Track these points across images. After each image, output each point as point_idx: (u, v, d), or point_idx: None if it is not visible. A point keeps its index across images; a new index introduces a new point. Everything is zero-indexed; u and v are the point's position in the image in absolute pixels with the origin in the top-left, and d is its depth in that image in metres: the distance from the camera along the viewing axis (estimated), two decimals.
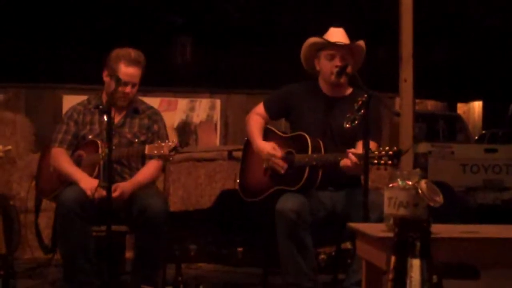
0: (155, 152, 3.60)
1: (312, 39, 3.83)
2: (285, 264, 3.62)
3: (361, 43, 3.81)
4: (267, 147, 3.79)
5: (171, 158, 3.60)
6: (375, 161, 3.32)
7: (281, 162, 3.73)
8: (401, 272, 1.13)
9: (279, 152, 3.75)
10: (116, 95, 3.78)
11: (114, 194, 3.59)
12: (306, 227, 3.57)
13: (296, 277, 3.60)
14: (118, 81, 3.73)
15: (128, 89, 3.87)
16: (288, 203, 3.57)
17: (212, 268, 5.20)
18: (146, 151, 3.63)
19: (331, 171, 3.63)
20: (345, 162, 3.51)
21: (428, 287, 1.13)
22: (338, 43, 3.75)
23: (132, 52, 3.91)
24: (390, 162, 3.30)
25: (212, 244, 5.27)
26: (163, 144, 3.58)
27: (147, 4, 15.38)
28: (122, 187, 3.72)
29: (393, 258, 1.15)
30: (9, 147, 4.59)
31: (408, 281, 1.12)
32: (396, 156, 3.31)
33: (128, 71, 3.86)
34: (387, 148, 3.34)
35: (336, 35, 3.80)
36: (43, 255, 4.74)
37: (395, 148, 3.34)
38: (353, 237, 2.91)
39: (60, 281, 4.32)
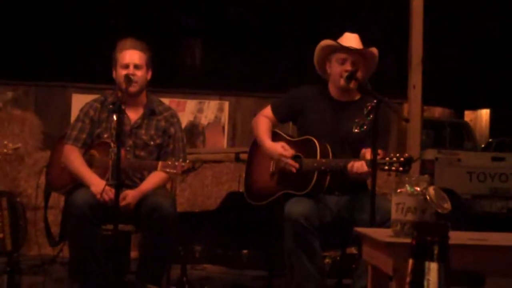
0: (167, 170, 3.62)
1: (325, 42, 3.81)
2: (292, 268, 3.62)
3: (374, 50, 3.79)
4: (278, 148, 3.77)
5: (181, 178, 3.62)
6: (386, 167, 3.32)
7: (293, 162, 3.72)
8: (419, 276, 1.14)
9: (289, 152, 3.74)
10: (120, 79, 3.83)
11: (122, 203, 3.62)
12: (314, 231, 3.56)
13: (303, 280, 3.59)
14: (117, 65, 3.85)
15: (130, 70, 3.83)
16: (297, 207, 3.56)
17: (217, 269, 5.21)
18: (158, 169, 3.66)
19: (338, 176, 3.63)
20: (356, 167, 3.50)
21: None
22: (350, 48, 3.73)
23: (129, 40, 3.95)
24: (401, 168, 3.30)
25: (217, 245, 5.27)
26: (176, 163, 3.60)
27: (157, 4, 15.42)
28: (130, 197, 3.73)
29: (410, 261, 1.16)
30: (19, 145, 4.59)
31: (425, 284, 1.14)
32: (407, 163, 3.31)
33: (125, 54, 3.87)
34: (398, 154, 3.33)
35: (350, 40, 3.78)
36: (49, 252, 4.77)
37: (406, 154, 3.34)
38: (359, 242, 2.91)
39: (65, 278, 4.35)
